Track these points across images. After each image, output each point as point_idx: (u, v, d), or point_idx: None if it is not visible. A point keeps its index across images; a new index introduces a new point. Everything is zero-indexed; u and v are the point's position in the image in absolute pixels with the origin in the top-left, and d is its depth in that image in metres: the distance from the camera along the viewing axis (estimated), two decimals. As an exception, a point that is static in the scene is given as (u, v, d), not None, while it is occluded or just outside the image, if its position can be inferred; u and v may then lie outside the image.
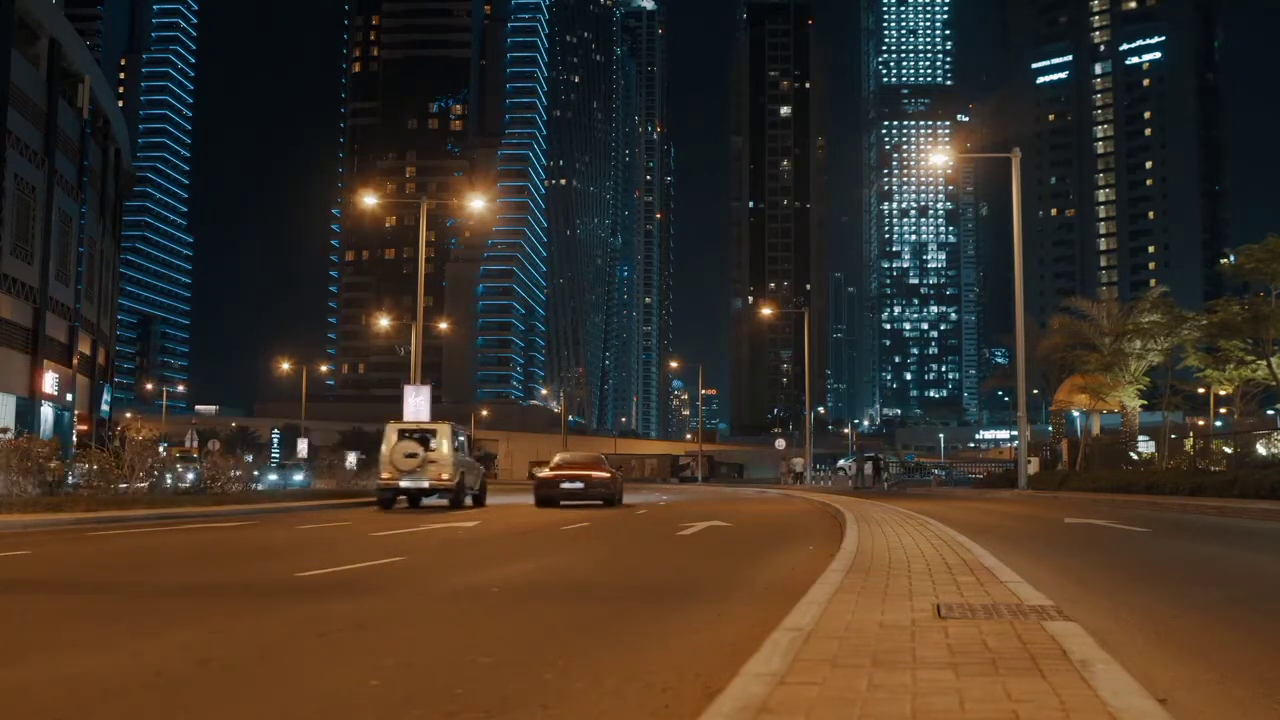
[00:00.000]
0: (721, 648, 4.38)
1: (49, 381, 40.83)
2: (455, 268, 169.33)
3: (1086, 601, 5.91)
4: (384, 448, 21.32)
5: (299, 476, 27.40)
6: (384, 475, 21.07)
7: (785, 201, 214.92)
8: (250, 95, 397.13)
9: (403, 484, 20.70)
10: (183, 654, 4.43)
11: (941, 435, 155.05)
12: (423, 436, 21.17)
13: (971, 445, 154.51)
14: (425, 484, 20.71)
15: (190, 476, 24.16)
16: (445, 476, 20.71)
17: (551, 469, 23.18)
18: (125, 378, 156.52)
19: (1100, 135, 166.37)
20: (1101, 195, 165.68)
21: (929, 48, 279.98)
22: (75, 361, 45.17)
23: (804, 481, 56.26)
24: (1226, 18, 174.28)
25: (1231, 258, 37.57)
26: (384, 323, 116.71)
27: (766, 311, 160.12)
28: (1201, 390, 39.38)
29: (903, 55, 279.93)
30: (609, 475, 22.99)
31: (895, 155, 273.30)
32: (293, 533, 13.45)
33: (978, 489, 40.59)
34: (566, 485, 22.34)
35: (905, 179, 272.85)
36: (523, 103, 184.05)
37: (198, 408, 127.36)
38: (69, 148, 43.65)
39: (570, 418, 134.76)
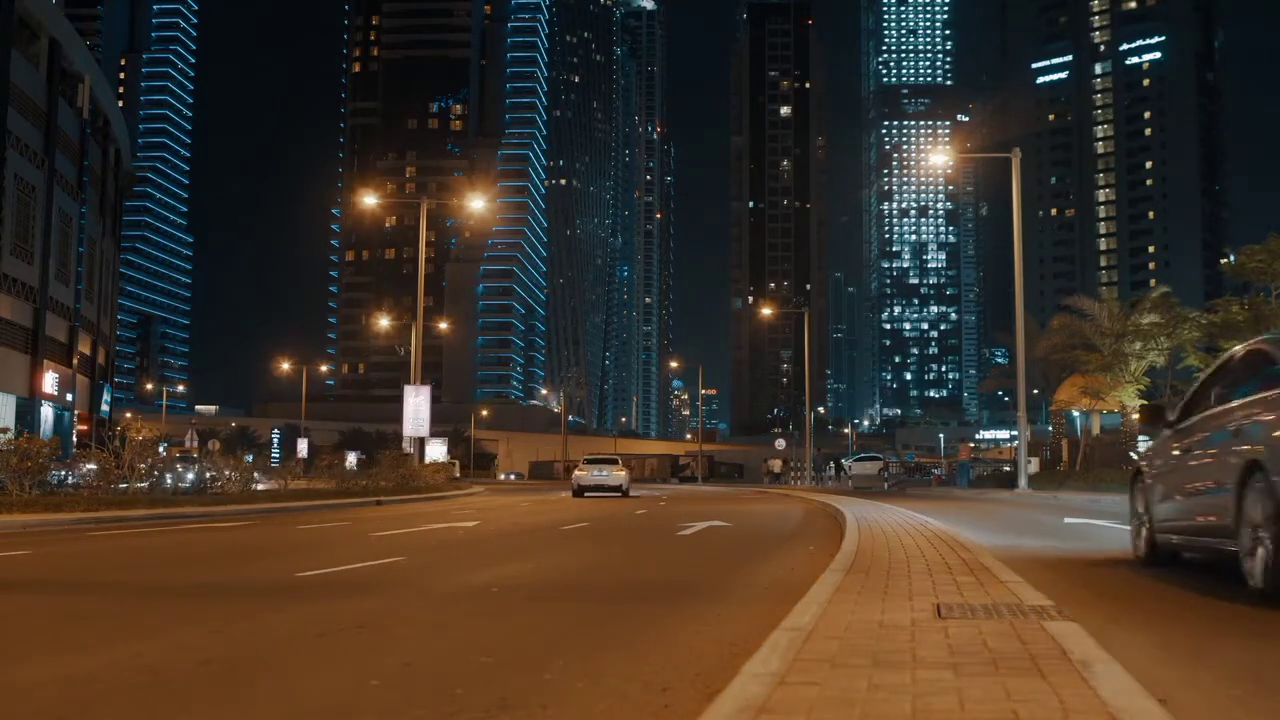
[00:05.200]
0: (721, 648, 4.38)
1: (49, 381, 40.85)
2: (455, 268, 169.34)
3: (1087, 601, 5.91)
4: (581, 465, 34.97)
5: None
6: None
7: (785, 201, 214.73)
8: (250, 95, 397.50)
9: (592, 484, 33.51)
10: (183, 654, 4.43)
11: (941, 435, 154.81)
12: (609, 459, 37.35)
13: (971, 445, 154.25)
14: (611, 484, 33.48)
15: (190, 476, 24.17)
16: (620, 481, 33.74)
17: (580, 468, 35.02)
18: (125, 378, 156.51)
19: (1100, 135, 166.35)
20: (1101, 195, 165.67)
21: (929, 48, 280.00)
22: (75, 361, 45.19)
23: (783, 482, 57.08)
24: (1226, 17, 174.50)
25: (1232, 258, 37.53)
26: (384, 323, 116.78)
27: (766, 311, 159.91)
28: (1201, 390, 39.24)
29: (903, 55, 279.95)
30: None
31: (895, 155, 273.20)
32: (292, 533, 13.46)
33: (977, 489, 40.55)
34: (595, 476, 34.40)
35: (905, 179, 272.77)
36: (523, 103, 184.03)
37: (197, 408, 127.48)
38: (69, 148, 43.65)
39: (570, 417, 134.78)
